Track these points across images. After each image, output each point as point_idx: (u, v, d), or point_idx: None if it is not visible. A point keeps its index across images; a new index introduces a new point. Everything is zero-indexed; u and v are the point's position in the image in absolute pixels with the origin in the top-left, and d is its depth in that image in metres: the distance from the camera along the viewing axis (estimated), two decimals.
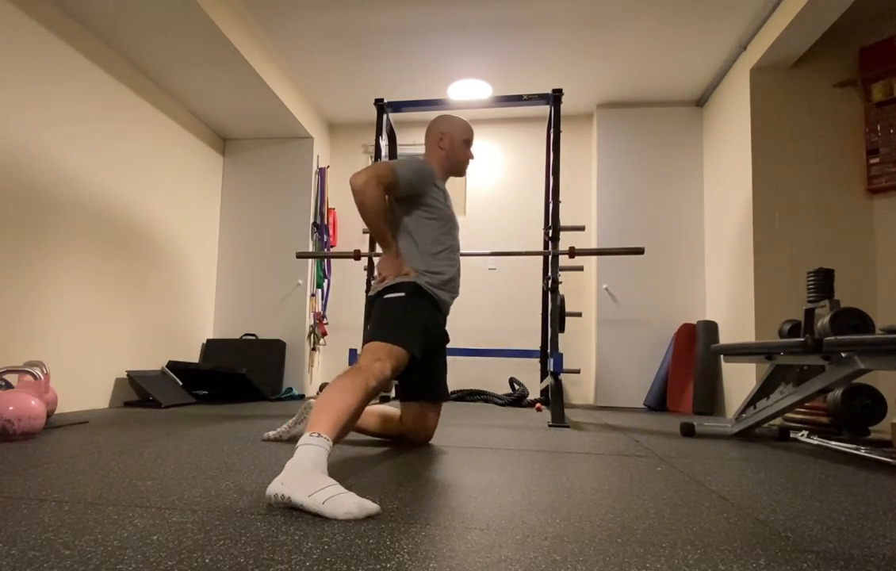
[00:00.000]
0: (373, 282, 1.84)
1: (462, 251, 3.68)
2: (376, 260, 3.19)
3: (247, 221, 4.46)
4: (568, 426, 2.62)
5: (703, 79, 3.89)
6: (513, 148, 4.62)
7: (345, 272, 4.58)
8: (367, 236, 3.56)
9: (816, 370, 2.01)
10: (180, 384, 3.54)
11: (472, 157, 2.00)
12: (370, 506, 1.00)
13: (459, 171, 1.99)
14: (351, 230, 4.65)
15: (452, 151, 1.93)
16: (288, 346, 4.26)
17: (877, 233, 3.16)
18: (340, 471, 1.43)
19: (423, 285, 1.75)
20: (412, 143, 4.63)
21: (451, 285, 1.86)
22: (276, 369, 4.15)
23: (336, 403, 1.26)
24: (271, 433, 1.92)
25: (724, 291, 3.72)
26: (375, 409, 1.97)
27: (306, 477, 1.04)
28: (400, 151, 4.01)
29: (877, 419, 2.23)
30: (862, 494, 1.34)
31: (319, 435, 1.15)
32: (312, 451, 1.11)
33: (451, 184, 4.66)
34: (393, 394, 3.21)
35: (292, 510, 1.02)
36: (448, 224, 1.87)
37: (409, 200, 1.81)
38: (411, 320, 1.67)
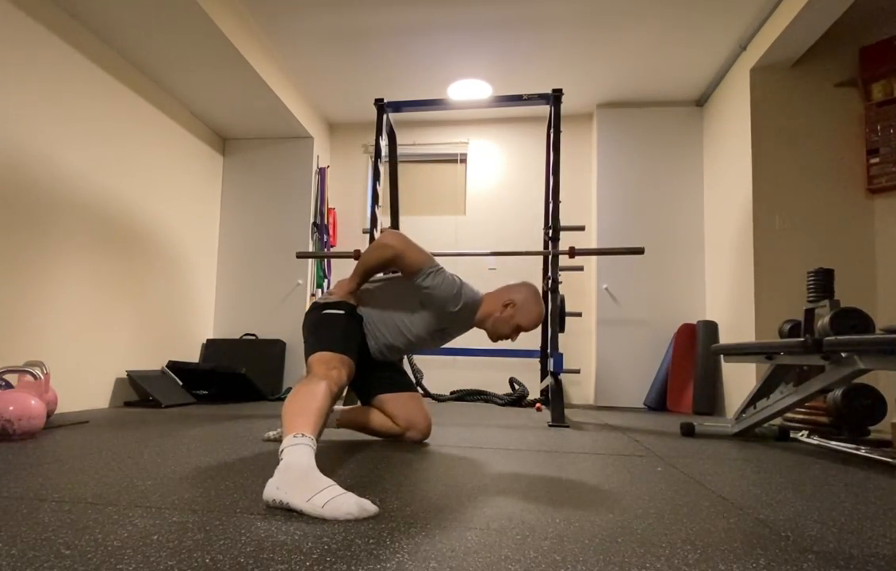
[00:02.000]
0: (319, 295, 1.87)
1: (462, 251, 3.71)
2: None
3: (247, 221, 4.46)
4: (568, 426, 2.62)
5: (703, 79, 3.89)
6: (513, 148, 4.62)
7: (345, 273, 4.58)
8: (367, 235, 3.57)
9: (816, 370, 2.01)
10: (180, 384, 3.54)
11: (513, 340, 1.89)
12: (370, 507, 1.00)
13: (492, 337, 1.89)
14: (351, 230, 4.65)
15: (506, 322, 1.82)
16: (288, 346, 4.26)
17: (877, 233, 3.16)
18: (340, 471, 1.43)
19: (362, 320, 1.81)
20: (412, 142, 4.64)
21: (380, 352, 1.87)
22: (276, 369, 4.15)
23: (311, 405, 1.27)
24: (272, 434, 1.92)
25: (724, 291, 3.72)
26: (372, 408, 1.98)
27: (302, 480, 1.03)
28: (400, 151, 4.01)
29: (877, 419, 2.23)
30: (862, 494, 1.34)
31: (303, 435, 1.14)
32: (302, 451, 1.10)
33: (452, 182, 4.67)
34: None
35: (292, 511, 1.02)
36: (419, 338, 1.84)
37: (416, 291, 1.77)
38: (351, 335, 1.73)
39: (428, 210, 4.69)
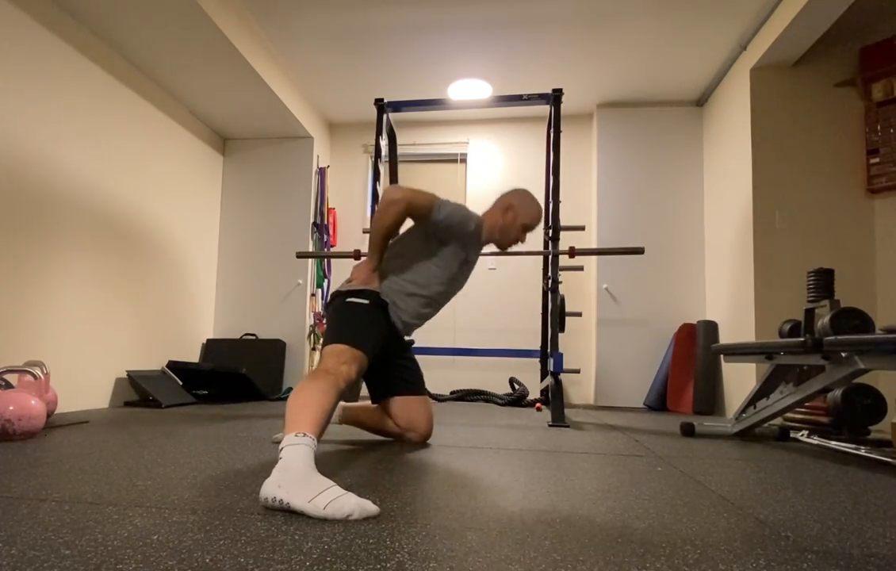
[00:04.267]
0: (320, 294, 1.85)
1: None
2: None
3: (247, 221, 4.46)
4: (568, 426, 2.62)
5: (704, 78, 3.89)
6: (513, 148, 4.62)
7: (345, 272, 4.58)
8: (367, 235, 3.56)
9: (816, 370, 2.01)
10: (180, 383, 3.54)
11: (522, 240, 1.94)
12: (370, 507, 1.00)
13: (503, 245, 1.93)
14: (351, 230, 4.65)
15: (510, 226, 1.87)
16: (288, 346, 4.26)
17: (877, 233, 3.16)
18: (340, 471, 1.43)
19: (387, 305, 1.77)
20: (412, 142, 4.64)
21: (408, 326, 1.85)
22: (276, 369, 4.15)
23: (313, 402, 1.26)
24: (282, 435, 1.90)
25: (724, 291, 3.72)
26: (375, 406, 1.98)
27: (303, 481, 1.03)
28: (400, 150, 4.01)
29: (877, 419, 2.23)
30: (862, 494, 1.34)
31: (304, 434, 1.14)
32: (302, 451, 1.10)
33: (452, 182, 4.67)
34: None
35: (292, 511, 1.02)
36: (447, 282, 1.85)
37: (431, 236, 1.79)
38: (371, 327, 1.69)
39: None
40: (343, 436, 2.07)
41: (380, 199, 1.68)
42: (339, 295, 1.74)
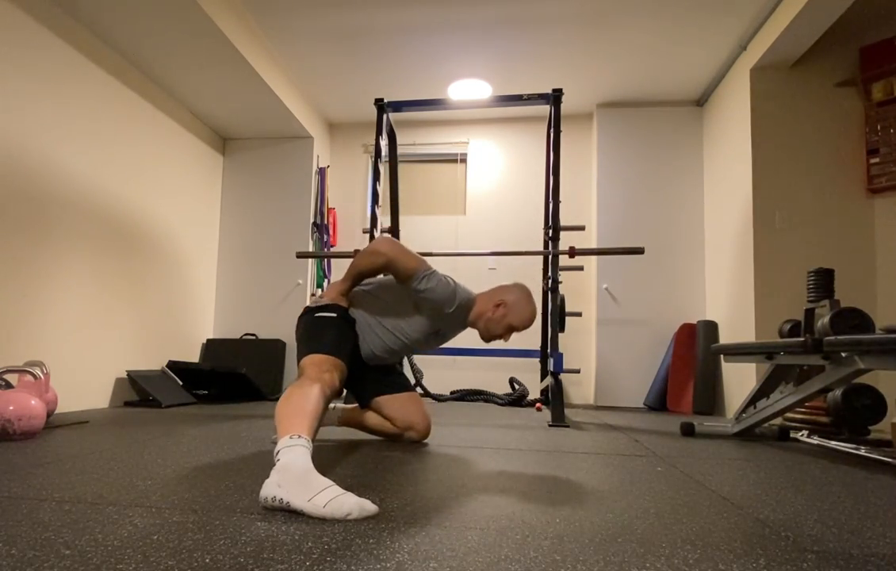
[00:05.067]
0: (318, 294, 1.85)
1: (462, 251, 3.71)
2: None
3: (247, 221, 4.46)
4: (568, 426, 2.62)
5: (704, 78, 3.89)
6: (513, 148, 4.62)
7: (345, 272, 4.58)
8: (367, 235, 3.57)
9: (816, 370, 2.01)
10: (180, 383, 3.54)
11: (505, 340, 1.90)
12: (370, 506, 1.01)
13: (485, 337, 1.89)
14: (351, 230, 4.65)
15: (497, 323, 1.82)
16: (288, 346, 4.26)
17: (877, 233, 3.16)
18: (340, 471, 1.43)
19: (354, 322, 1.79)
20: (412, 142, 4.64)
21: (370, 357, 1.86)
22: (276, 369, 4.15)
23: (304, 406, 1.26)
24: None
25: (724, 291, 3.72)
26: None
27: (302, 480, 1.03)
28: (400, 151, 4.01)
29: (877, 419, 2.23)
30: (862, 494, 1.34)
31: (300, 436, 1.14)
32: (299, 451, 1.10)
33: (452, 182, 4.67)
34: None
35: (291, 511, 1.02)
36: (408, 345, 1.85)
37: (410, 296, 1.78)
38: (343, 338, 1.71)
39: (428, 210, 4.69)
40: (343, 436, 2.07)
41: (371, 242, 1.70)
42: (309, 311, 1.76)
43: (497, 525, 0.98)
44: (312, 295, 4.44)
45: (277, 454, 1.10)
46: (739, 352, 2.42)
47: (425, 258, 1.78)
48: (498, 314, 1.81)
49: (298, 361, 1.60)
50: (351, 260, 1.81)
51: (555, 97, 3.23)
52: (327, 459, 1.59)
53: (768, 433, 2.50)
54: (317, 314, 1.73)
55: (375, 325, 1.81)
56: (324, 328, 1.69)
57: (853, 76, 3.25)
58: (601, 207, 4.23)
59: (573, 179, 4.46)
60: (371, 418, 1.97)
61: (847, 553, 0.88)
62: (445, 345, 4.19)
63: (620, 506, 1.13)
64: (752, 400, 2.36)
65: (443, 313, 1.77)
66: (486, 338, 1.86)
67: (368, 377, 1.92)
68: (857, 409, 2.24)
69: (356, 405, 2.05)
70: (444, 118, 4.65)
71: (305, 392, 1.32)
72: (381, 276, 1.88)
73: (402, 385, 1.97)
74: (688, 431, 2.46)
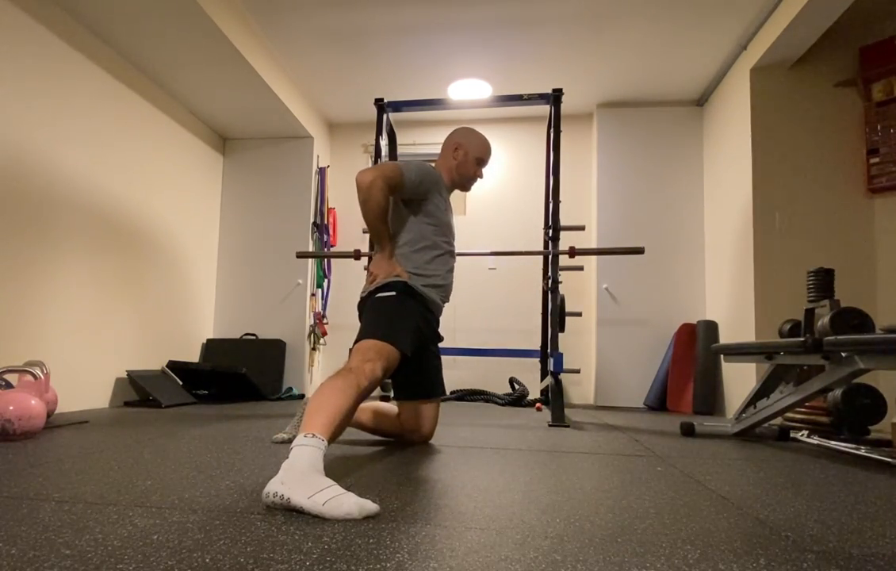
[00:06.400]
0: (365, 283, 1.84)
1: (462, 251, 3.71)
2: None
3: (247, 221, 4.46)
4: (568, 426, 2.62)
5: (704, 78, 3.89)
6: (513, 148, 4.62)
7: (345, 272, 4.58)
8: (367, 235, 3.56)
9: (816, 370, 2.01)
10: (180, 383, 3.54)
11: (480, 176, 1.99)
12: (370, 506, 1.01)
13: (465, 185, 1.99)
14: (351, 230, 4.65)
15: (463, 164, 1.94)
16: (288, 346, 4.26)
17: (877, 233, 3.16)
18: (340, 471, 1.43)
19: (415, 285, 1.76)
20: (412, 142, 4.63)
21: (443, 290, 1.87)
22: (276, 369, 4.15)
23: (329, 403, 1.26)
24: (283, 436, 1.91)
25: (724, 291, 3.72)
26: (373, 406, 1.97)
27: (305, 479, 1.04)
28: (400, 151, 4.01)
29: (877, 418, 2.23)
30: (862, 494, 1.34)
31: (314, 436, 1.14)
32: (308, 451, 1.11)
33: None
34: (392, 393, 3.21)
35: (292, 510, 1.02)
36: (445, 231, 1.89)
37: (411, 201, 1.83)
38: (402, 319, 1.67)
39: None
40: (343, 436, 2.07)
41: (357, 188, 1.66)
42: (368, 295, 1.74)
43: (497, 525, 0.98)
44: (312, 296, 4.44)
45: (291, 450, 1.12)
46: (739, 352, 2.42)
47: None
48: (460, 156, 1.93)
49: (354, 344, 1.60)
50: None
51: (555, 97, 3.23)
52: (327, 459, 1.59)
53: (768, 433, 2.50)
54: (377, 296, 1.72)
55: (423, 255, 1.81)
56: (382, 310, 1.67)
57: (853, 76, 3.25)
58: (601, 207, 4.23)
59: (573, 179, 4.46)
60: (371, 418, 1.97)
61: (847, 553, 0.88)
62: (445, 346, 4.19)
63: (620, 506, 1.13)
64: (752, 400, 2.36)
65: (436, 179, 1.85)
66: (466, 185, 1.98)
67: (418, 369, 1.84)
68: (857, 409, 2.24)
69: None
70: (444, 118, 4.64)
71: (337, 386, 1.32)
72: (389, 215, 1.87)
73: (438, 390, 1.93)
74: (688, 431, 2.46)
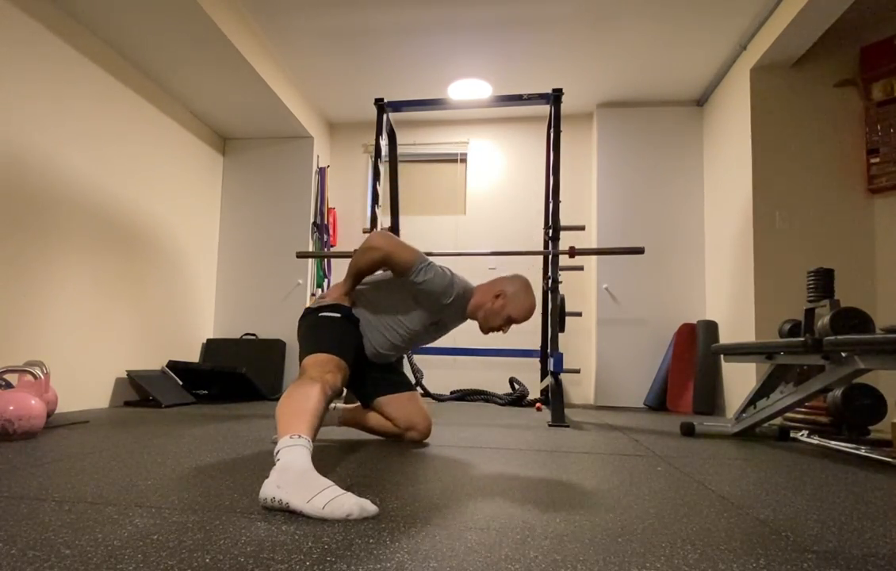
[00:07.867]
0: (318, 294, 1.85)
1: (462, 251, 3.71)
2: None
3: (247, 221, 4.46)
4: (568, 426, 2.62)
5: (704, 78, 3.89)
6: (513, 148, 4.62)
7: (345, 272, 4.58)
8: (367, 235, 3.56)
9: (816, 370, 2.01)
10: (180, 383, 3.54)
11: (504, 331, 1.89)
12: (370, 507, 1.00)
13: (484, 329, 1.88)
14: (351, 230, 4.65)
15: (496, 314, 1.80)
16: (288, 346, 4.26)
17: (877, 233, 3.16)
18: (340, 471, 1.43)
19: (359, 318, 1.79)
20: (412, 142, 4.63)
21: (375, 354, 1.86)
22: (276, 369, 4.15)
23: (305, 406, 1.26)
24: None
25: (724, 291, 3.72)
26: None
27: (302, 481, 1.03)
28: (400, 151, 4.01)
29: (877, 419, 2.23)
30: (862, 494, 1.34)
31: (300, 436, 1.14)
32: (299, 452, 1.10)
33: (452, 182, 4.67)
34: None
35: (291, 511, 1.02)
36: (407, 340, 1.85)
37: (407, 290, 1.78)
38: (347, 338, 1.71)
39: (428, 210, 4.69)
40: (343, 436, 2.07)
41: (367, 242, 1.67)
42: (312, 311, 1.76)
43: (497, 524, 0.98)
44: (313, 295, 4.44)
45: (277, 453, 1.11)
46: (739, 352, 2.42)
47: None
48: (497, 306, 1.80)
49: (300, 361, 1.59)
50: (350, 260, 1.80)
51: (555, 97, 3.23)
52: (327, 459, 1.59)
53: (768, 432, 2.50)
54: (320, 314, 1.73)
55: (377, 322, 1.81)
56: (327, 328, 1.69)
57: (853, 76, 3.25)
58: (601, 207, 4.23)
59: (573, 179, 4.46)
60: (371, 418, 1.98)
61: (847, 553, 0.88)
62: (445, 345, 4.20)
63: (620, 506, 1.13)
64: (752, 400, 2.36)
65: (441, 304, 1.77)
66: (485, 330, 1.85)
67: (370, 377, 1.92)
68: (857, 409, 2.24)
69: (357, 404, 2.06)
70: (444, 118, 4.64)
71: (306, 392, 1.31)
72: (379, 272, 1.87)
73: (403, 385, 1.97)
74: (688, 431, 2.46)
